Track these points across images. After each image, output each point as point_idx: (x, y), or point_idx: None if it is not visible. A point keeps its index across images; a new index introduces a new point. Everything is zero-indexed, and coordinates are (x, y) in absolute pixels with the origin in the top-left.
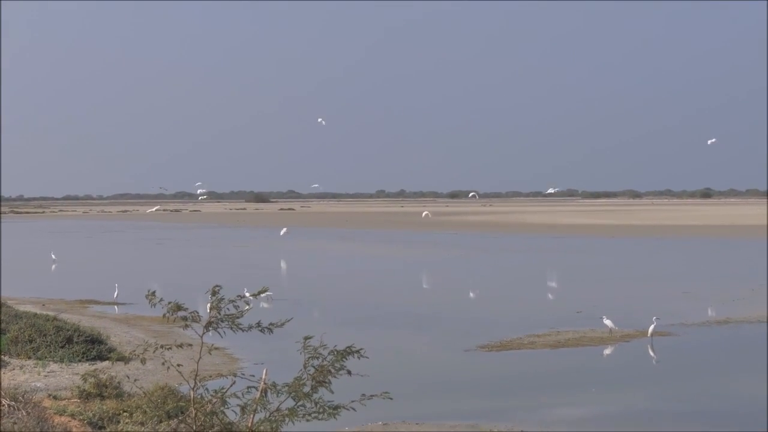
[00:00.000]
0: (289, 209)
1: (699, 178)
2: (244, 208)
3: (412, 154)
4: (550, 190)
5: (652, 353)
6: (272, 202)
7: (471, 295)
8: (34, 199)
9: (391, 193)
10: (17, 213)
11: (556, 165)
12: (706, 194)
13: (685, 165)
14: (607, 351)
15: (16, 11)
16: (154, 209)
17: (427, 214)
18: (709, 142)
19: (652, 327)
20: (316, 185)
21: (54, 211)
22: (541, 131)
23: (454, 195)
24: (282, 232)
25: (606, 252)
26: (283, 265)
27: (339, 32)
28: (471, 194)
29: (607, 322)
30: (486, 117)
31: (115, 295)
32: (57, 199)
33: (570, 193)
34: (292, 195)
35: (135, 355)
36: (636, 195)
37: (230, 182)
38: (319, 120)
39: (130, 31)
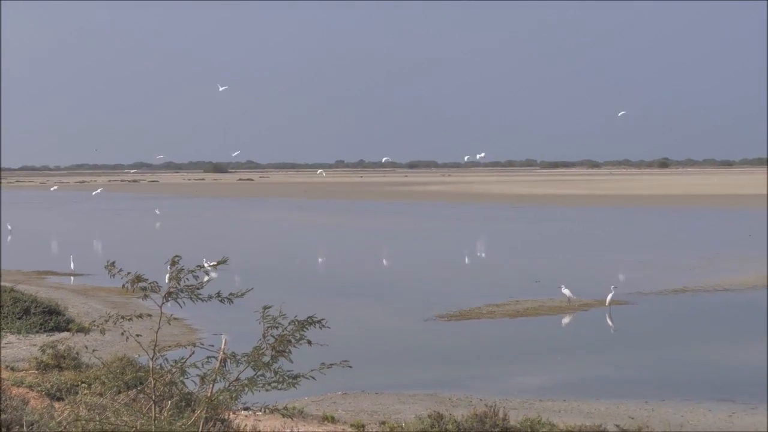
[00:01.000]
0: (248, 179)
1: (657, 148)
2: (203, 179)
3: (372, 125)
4: (479, 156)
5: (610, 322)
6: (231, 172)
7: (431, 264)
8: None
9: (350, 163)
10: None
11: (516, 136)
12: (664, 164)
13: (643, 135)
14: (566, 320)
15: None
16: (99, 191)
17: (321, 172)
18: (619, 114)
19: (609, 296)
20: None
21: (11, 182)
22: (499, 103)
23: (413, 165)
24: (94, 193)
25: (564, 222)
26: (242, 235)
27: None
28: (480, 155)
29: (566, 291)
30: (446, 88)
31: (71, 267)
32: (14, 169)
33: (529, 163)
34: (251, 165)
35: (94, 325)
36: (594, 165)
37: (189, 153)
38: (223, 88)
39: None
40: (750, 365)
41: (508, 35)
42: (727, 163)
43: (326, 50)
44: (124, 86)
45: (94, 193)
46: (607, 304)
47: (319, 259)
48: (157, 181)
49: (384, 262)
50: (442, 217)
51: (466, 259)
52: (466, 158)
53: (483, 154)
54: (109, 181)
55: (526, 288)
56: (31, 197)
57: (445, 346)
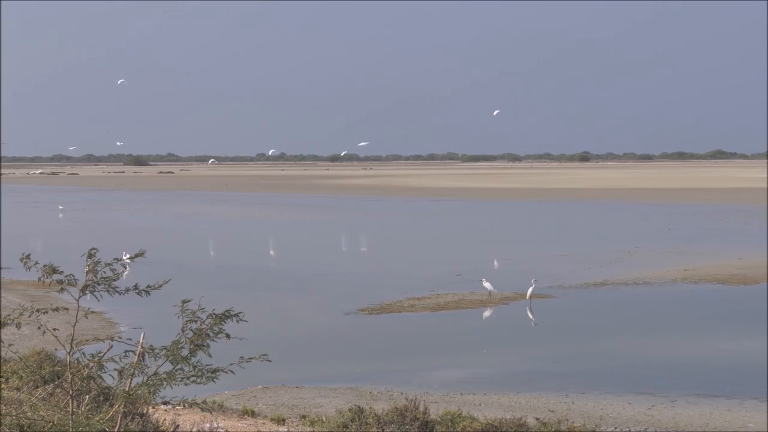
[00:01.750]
0: (169, 172)
1: (578, 142)
2: (123, 172)
3: (293, 118)
4: (360, 145)
5: (530, 315)
6: (151, 165)
7: (351, 258)
8: None
9: (271, 156)
10: None
11: (436, 128)
12: (584, 158)
13: (564, 129)
14: (487, 313)
15: None
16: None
17: (212, 161)
18: (494, 113)
19: (530, 289)
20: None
21: None
22: (422, 94)
23: (334, 158)
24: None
25: (485, 215)
26: (161, 228)
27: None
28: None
29: (487, 284)
30: (365, 80)
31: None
32: None
33: (450, 157)
34: (172, 158)
35: (10, 319)
36: (515, 158)
37: (109, 146)
38: (120, 81)
39: None
40: (669, 358)
41: (435, 32)
42: (647, 157)
43: (245, 38)
44: (47, 75)
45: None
46: (527, 298)
47: (240, 253)
48: (77, 174)
49: (305, 255)
50: (364, 210)
51: (388, 253)
52: (343, 153)
53: (365, 143)
54: (28, 173)
55: (448, 281)
56: None
57: (366, 339)
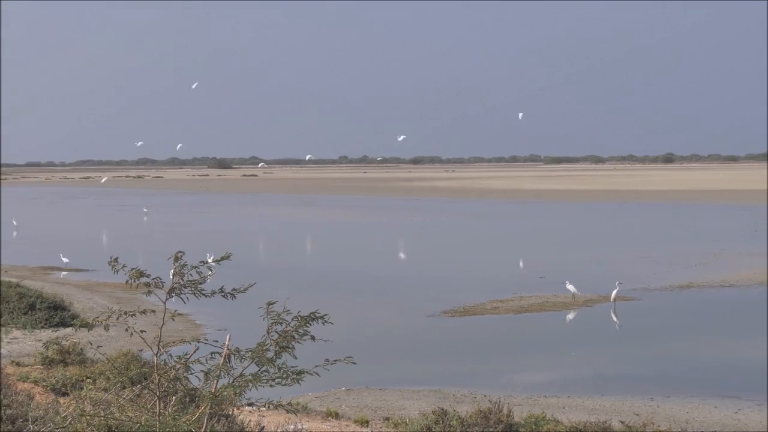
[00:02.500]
0: (252, 175)
1: (662, 143)
2: (207, 175)
3: (376, 120)
4: (400, 138)
5: (614, 318)
6: (235, 168)
7: (434, 260)
8: None
9: (354, 158)
10: None
11: (519, 130)
12: (669, 159)
13: (648, 130)
14: (570, 316)
15: None
16: (104, 179)
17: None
18: (519, 115)
19: (614, 292)
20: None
21: (16, 178)
22: (503, 97)
23: (416, 161)
24: (103, 180)
25: (568, 217)
26: (244, 230)
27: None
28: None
29: (570, 287)
30: (451, 84)
31: (64, 262)
32: (20, 165)
33: (533, 159)
34: (255, 161)
35: (98, 321)
36: (598, 160)
37: (194, 149)
38: (194, 85)
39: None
40: (756, 362)
41: (515, 35)
42: (732, 158)
43: (323, 45)
44: (128, 82)
45: (102, 181)
46: (611, 300)
47: (322, 255)
48: (162, 177)
49: (388, 258)
50: (446, 212)
51: (470, 255)
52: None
53: (403, 137)
54: (114, 176)
55: (531, 284)
56: (36, 193)
57: (449, 341)
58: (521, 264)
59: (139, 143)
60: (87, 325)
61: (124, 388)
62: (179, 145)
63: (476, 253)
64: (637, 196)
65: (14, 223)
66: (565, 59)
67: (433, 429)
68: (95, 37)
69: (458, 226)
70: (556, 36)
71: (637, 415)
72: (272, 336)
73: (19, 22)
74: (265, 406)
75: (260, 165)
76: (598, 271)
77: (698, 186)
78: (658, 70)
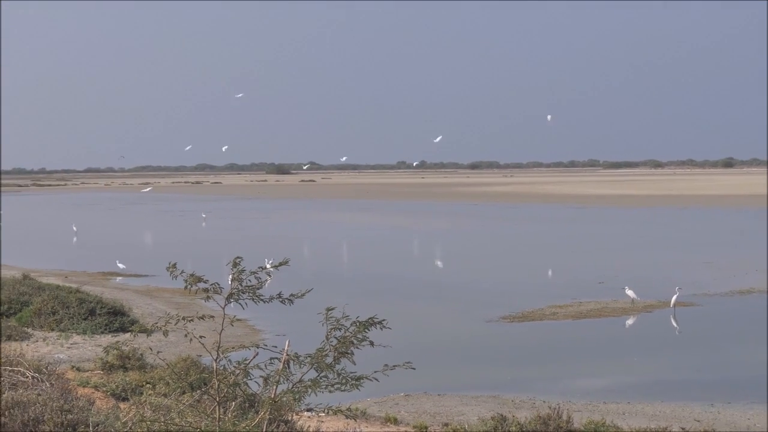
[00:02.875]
0: (310, 181)
1: (722, 147)
2: (265, 180)
3: (433, 125)
4: (436, 140)
5: (674, 323)
6: (293, 173)
7: (492, 265)
8: (57, 172)
9: (411, 164)
10: (40, 186)
11: (578, 135)
12: (729, 164)
13: (707, 134)
14: (630, 321)
15: None
16: (148, 189)
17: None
18: (548, 117)
19: (674, 297)
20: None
21: (76, 184)
22: (562, 101)
23: (474, 166)
24: (146, 190)
25: (627, 222)
26: (302, 236)
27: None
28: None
29: (629, 292)
30: (506, 88)
31: (119, 267)
32: (79, 171)
33: (591, 164)
34: (313, 167)
35: (157, 327)
36: (658, 165)
37: (252, 154)
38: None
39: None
40: None
41: (574, 36)
42: None
43: (382, 49)
44: (184, 88)
45: (144, 191)
46: (671, 306)
47: (379, 261)
48: (220, 183)
49: (445, 262)
50: (504, 217)
51: (528, 260)
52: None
53: (440, 138)
54: (173, 182)
55: (590, 289)
56: (94, 199)
57: (508, 347)
58: (580, 269)
59: (188, 147)
60: (146, 331)
61: (184, 393)
62: (225, 147)
63: (535, 258)
64: (696, 200)
65: (74, 228)
66: (623, 61)
67: None
68: (152, 42)
69: (516, 231)
70: (614, 37)
71: (698, 421)
72: (331, 341)
73: (79, 26)
74: (324, 412)
75: (305, 167)
76: (657, 276)
77: (759, 191)
78: (718, 72)
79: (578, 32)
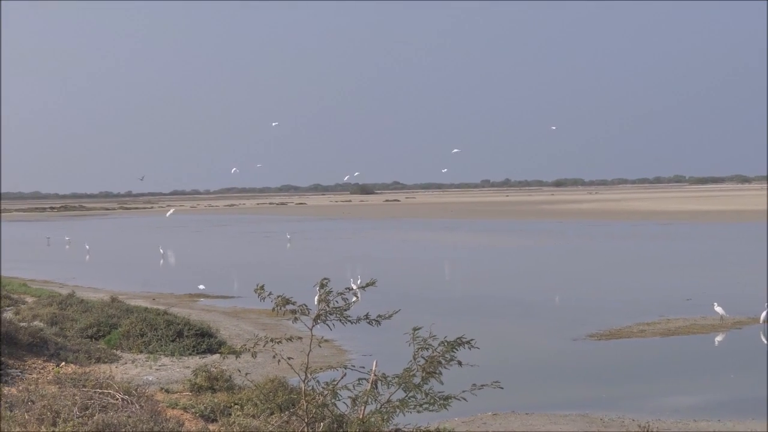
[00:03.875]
0: (394, 200)
1: None
2: (350, 200)
3: (517, 143)
4: (454, 151)
5: (765, 340)
6: (377, 193)
7: (578, 283)
8: (143, 195)
9: (495, 182)
10: (126, 209)
11: (663, 151)
12: None
13: None
14: (719, 338)
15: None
16: (171, 211)
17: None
18: (552, 127)
19: (764, 313)
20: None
21: (162, 207)
22: (647, 116)
23: (559, 183)
24: (168, 214)
25: (714, 238)
26: (387, 256)
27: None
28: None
29: (718, 309)
30: (591, 103)
31: (200, 289)
32: (165, 194)
33: (677, 179)
34: (397, 186)
35: (245, 348)
36: (744, 180)
37: (336, 175)
38: (274, 123)
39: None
40: None
41: (656, 49)
42: None
43: (466, 70)
44: (269, 111)
45: (168, 215)
46: (761, 322)
47: (465, 279)
48: (305, 204)
49: (530, 280)
50: (589, 235)
51: (614, 278)
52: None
53: (457, 150)
54: (257, 203)
55: (678, 306)
56: (180, 221)
57: (596, 365)
58: (667, 286)
59: (258, 165)
60: (234, 352)
61: (272, 414)
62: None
63: (621, 276)
64: None
65: (161, 251)
66: (708, 72)
67: None
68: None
69: (601, 248)
70: (698, 50)
71: None
72: (419, 361)
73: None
74: None
75: (347, 178)
76: (746, 292)
77: None
78: None
79: (661, 46)
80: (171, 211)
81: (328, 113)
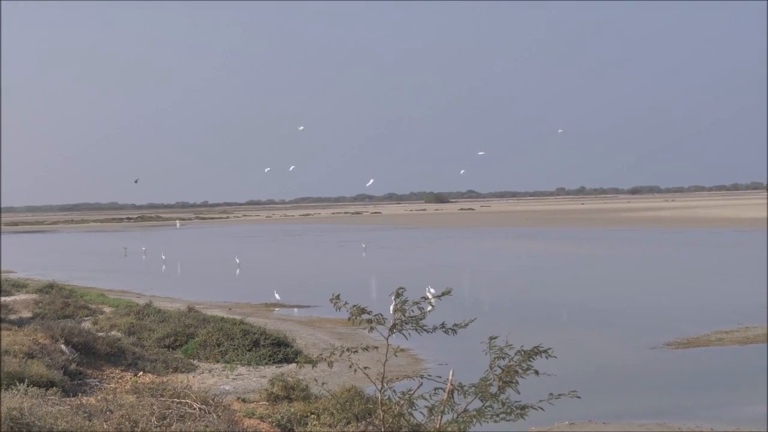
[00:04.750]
0: (469, 209)
1: None
2: (424, 209)
3: (593, 150)
4: (480, 154)
5: None
6: (452, 202)
7: (654, 291)
8: (218, 204)
9: (571, 190)
10: (202, 219)
11: (740, 157)
12: None
13: None
14: None
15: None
16: (178, 224)
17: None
18: (559, 131)
19: None
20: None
21: (237, 216)
22: (721, 122)
23: (635, 191)
24: (178, 225)
25: None
26: (461, 264)
27: (490, 37)
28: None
29: None
30: (666, 111)
31: (276, 298)
32: (240, 204)
33: (755, 186)
34: (472, 195)
35: (322, 358)
36: None
37: (411, 184)
38: (300, 128)
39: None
40: None
41: (726, 53)
42: None
43: (543, 79)
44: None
45: (178, 226)
46: None
47: (540, 287)
48: (380, 213)
49: (606, 289)
50: (665, 242)
51: (691, 285)
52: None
53: (482, 153)
54: (333, 213)
55: (756, 313)
56: (256, 231)
57: (673, 373)
58: (745, 293)
59: (291, 167)
60: (311, 362)
61: (349, 423)
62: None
63: (697, 283)
64: None
65: (237, 260)
66: None
67: None
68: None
69: (677, 255)
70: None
71: None
72: (495, 371)
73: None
74: None
75: (370, 183)
76: None
77: None
78: None
79: (741, 50)
80: (178, 224)
81: (406, 123)
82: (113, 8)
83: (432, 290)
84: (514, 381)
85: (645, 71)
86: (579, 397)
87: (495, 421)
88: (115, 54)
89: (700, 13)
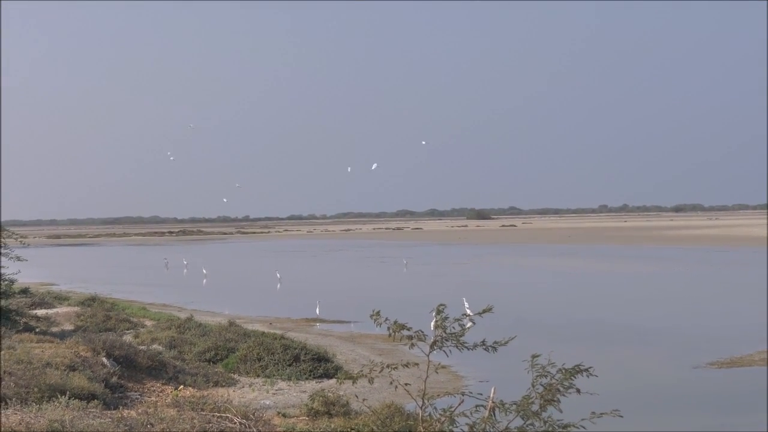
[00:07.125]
0: (511, 225)
1: None
2: (466, 225)
3: (635, 168)
4: (373, 167)
5: None
6: (494, 218)
7: (697, 310)
8: (260, 219)
9: (613, 207)
10: (244, 233)
11: None
12: None
13: None
14: None
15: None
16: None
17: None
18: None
19: None
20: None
21: (279, 231)
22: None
23: (678, 209)
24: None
25: None
26: (502, 281)
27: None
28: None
29: None
30: (709, 128)
31: (317, 313)
32: (282, 219)
33: None
34: (514, 211)
35: (362, 374)
36: None
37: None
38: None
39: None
40: None
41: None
42: None
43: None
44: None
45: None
46: None
47: (582, 305)
48: (421, 229)
49: (649, 307)
50: (708, 261)
51: (735, 304)
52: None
53: (375, 165)
54: (374, 228)
55: None
56: (297, 246)
57: (717, 394)
58: None
59: (374, 165)
60: (351, 378)
61: None
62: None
63: (741, 303)
64: None
65: (278, 275)
66: None
67: None
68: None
69: (719, 274)
70: None
71: None
72: (537, 389)
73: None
74: None
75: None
76: None
77: None
78: None
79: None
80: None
81: (449, 141)
82: (170, 27)
83: (467, 302)
84: (555, 399)
85: (688, 87)
86: (621, 416)
87: None
88: (157, 67)
89: (744, 26)
